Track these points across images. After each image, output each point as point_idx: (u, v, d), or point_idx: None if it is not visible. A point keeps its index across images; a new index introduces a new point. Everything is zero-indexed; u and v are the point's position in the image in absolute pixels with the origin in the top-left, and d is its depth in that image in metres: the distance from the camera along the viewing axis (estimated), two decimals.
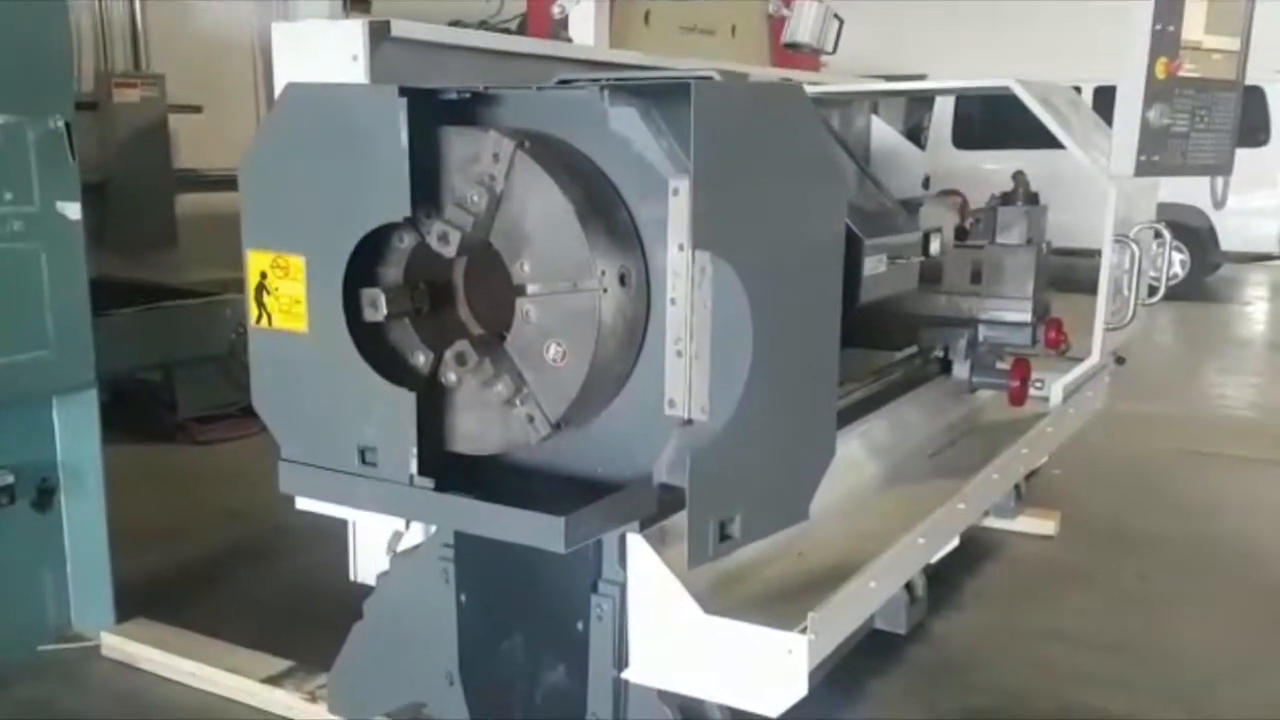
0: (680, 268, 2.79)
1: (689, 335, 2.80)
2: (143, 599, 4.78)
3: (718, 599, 3.03)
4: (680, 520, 3.11)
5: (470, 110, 2.97)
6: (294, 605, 4.97)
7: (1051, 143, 4.82)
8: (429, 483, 2.82)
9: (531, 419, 2.80)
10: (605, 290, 2.69)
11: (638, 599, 3.01)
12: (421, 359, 2.96)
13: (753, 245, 2.64)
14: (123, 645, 4.45)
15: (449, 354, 2.79)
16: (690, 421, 2.85)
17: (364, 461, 2.90)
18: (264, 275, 2.94)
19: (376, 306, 2.83)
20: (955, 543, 3.85)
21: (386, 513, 3.04)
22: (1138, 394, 7.28)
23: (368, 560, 4.42)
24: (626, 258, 2.80)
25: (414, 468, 2.82)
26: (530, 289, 2.76)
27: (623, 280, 2.76)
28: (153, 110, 9.77)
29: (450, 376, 2.88)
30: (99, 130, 9.44)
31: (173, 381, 7.58)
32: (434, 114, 2.80)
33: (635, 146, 2.80)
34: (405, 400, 2.80)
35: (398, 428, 2.82)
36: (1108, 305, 5.03)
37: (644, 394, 2.93)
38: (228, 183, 9.85)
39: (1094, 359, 5.10)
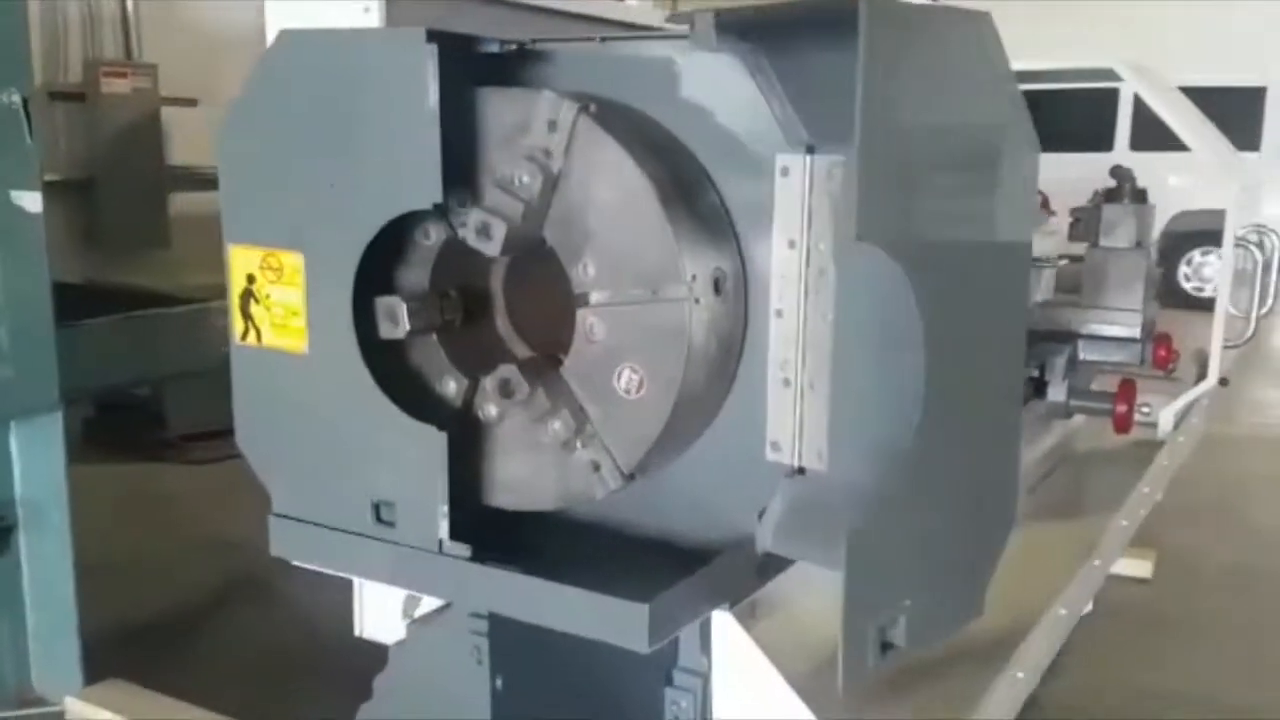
0: (790, 270, 2.15)
1: (799, 358, 2.16)
2: (117, 653, 4.14)
3: (825, 692, 2.37)
4: (776, 589, 2.47)
5: (509, 70, 2.33)
6: (293, 661, 4.34)
7: (1093, 145, 4.17)
8: (463, 550, 2.17)
9: (597, 467, 2.15)
10: (697, 300, 2.04)
11: (726, 694, 2.36)
12: (452, 387, 2.31)
13: (928, 239, 1.98)
14: (91, 715, 3.79)
15: (489, 381, 2.14)
16: (801, 471, 2.21)
17: (379, 520, 2.25)
18: (251, 279, 2.30)
19: (396, 320, 2.19)
20: (1090, 608, 3.19)
21: (407, 586, 2.39)
22: (1225, 412, 6.61)
23: (376, 615, 3.79)
24: (720, 257, 2.16)
25: (444, 530, 2.18)
26: (595, 297, 2.11)
27: (717, 286, 2.12)
28: (144, 102, 9.12)
29: (489, 410, 2.23)
30: (86, 123, 8.80)
31: (162, 395, 6.92)
32: (468, 71, 2.15)
33: (732, 111, 2.16)
34: (433, 442, 2.16)
35: (423, 477, 2.17)
36: (1225, 320, 4.39)
37: (736, 432, 2.29)
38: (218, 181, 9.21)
39: (1210, 381, 4.46)
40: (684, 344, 2.05)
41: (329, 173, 2.17)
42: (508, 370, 2.12)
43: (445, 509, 2.17)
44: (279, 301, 2.27)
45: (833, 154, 2.09)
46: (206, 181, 9.55)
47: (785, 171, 2.15)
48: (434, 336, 2.30)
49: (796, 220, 2.15)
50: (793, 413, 2.22)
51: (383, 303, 2.20)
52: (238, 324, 2.34)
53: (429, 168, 2.04)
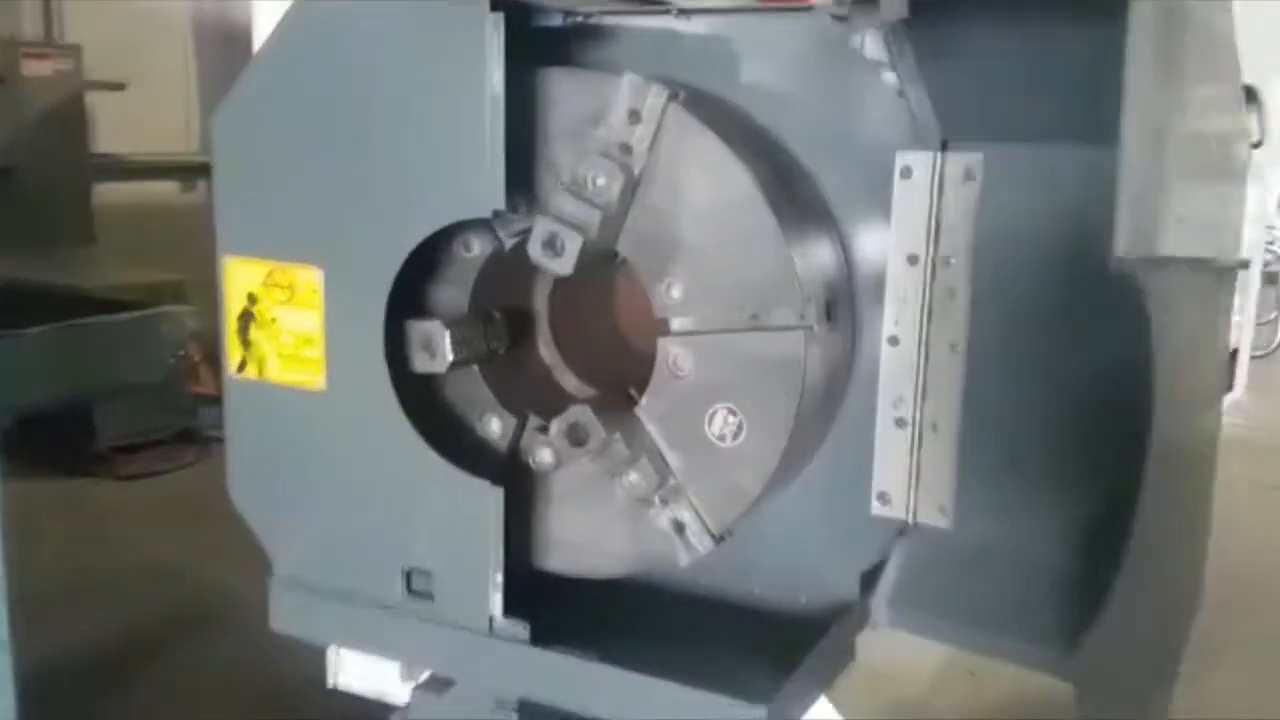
0: (909, 290, 1.81)
1: (918, 394, 1.82)
2: (36, 701, 3.64)
3: None
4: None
5: (562, 47, 1.95)
6: (250, 712, 3.90)
7: None
8: (520, 630, 1.79)
9: (681, 528, 1.79)
10: (811, 327, 1.69)
11: None
12: (496, 427, 1.94)
13: (1168, 256, 1.62)
14: None
15: (557, 426, 1.76)
16: (913, 526, 1.87)
17: (412, 591, 1.86)
18: (252, 298, 1.89)
19: (435, 349, 1.80)
20: None
21: (447, 672, 1.99)
22: None
23: (355, 662, 3.40)
24: (832, 276, 1.80)
25: (497, 605, 1.80)
26: (682, 323, 1.75)
27: (829, 311, 1.76)
28: (67, 86, 8.47)
29: (543, 456, 1.86)
30: (4, 107, 8.15)
31: (92, 404, 6.36)
32: (522, 49, 1.77)
33: (846, 99, 1.81)
34: (485, 498, 1.78)
35: (471, 541, 1.79)
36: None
37: (834, 481, 1.94)
38: (154, 171, 8.61)
39: (1236, 393, 4.21)
40: (798, 381, 1.69)
41: (359, 171, 1.77)
42: (579, 413, 1.74)
43: (499, 579, 1.79)
44: (289, 327, 1.86)
45: (968, 151, 1.75)
46: (134, 171, 8.98)
47: (907, 172, 1.80)
48: (475, 368, 1.91)
49: (920, 230, 1.80)
50: (908, 459, 1.87)
51: (418, 329, 1.81)
52: (234, 352, 1.93)
53: (490, 167, 1.66)
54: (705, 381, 1.75)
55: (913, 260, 1.82)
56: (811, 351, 1.70)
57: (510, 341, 1.97)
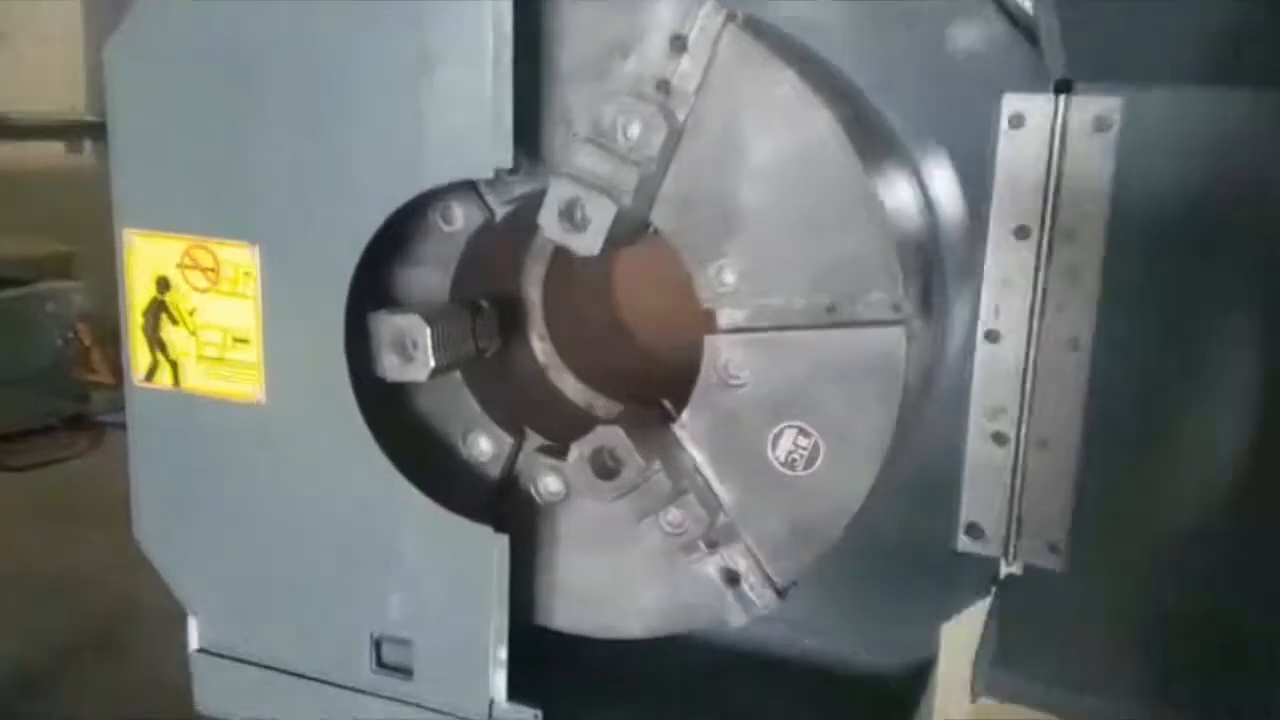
0: (1015, 271, 1.44)
1: (1024, 402, 1.45)
2: None
3: None
4: None
5: None
6: None
7: None
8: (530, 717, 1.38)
9: (734, 579, 1.39)
10: (908, 320, 1.29)
11: None
12: (484, 448, 1.51)
13: None
14: None
15: (579, 452, 1.34)
16: (1010, 573, 1.51)
17: (382, 665, 1.44)
18: (164, 284, 1.44)
19: (413, 352, 1.37)
20: None
21: None
22: None
23: None
24: (925, 252, 1.41)
25: (499, 687, 1.38)
26: (732, 317, 1.34)
27: (925, 298, 1.37)
28: None
29: (549, 486, 1.44)
30: None
31: None
32: None
33: (946, 31, 1.42)
34: (483, 548, 1.36)
35: (465, 604, 1.37)
36: None
37: (908, 510, 1.56)
38: (38, 131, 7.91)
39: None
40: (896, 391, 1.30)
41: (309, 116, 1.32)
42: (609, 436, 1.33)
43: (502, 654, 1.37)
44: (214, 322, 1.41)
45: (1102, 94, 1.37)
46: (14, 131, 8.27)
47: (1018, 120, 1.42)
48: (458, 373, 1.48)
49: (1034, 195, 1.42)
50: (1007, 484, 1.49)
51: (389, 324, 1.38)
52: (139, 355, 1.47)
53: (495, 113, 1.23)
54: (769, 392, 1.35)
55: (1022, 234, 1.43)
56: (910, 351, 1.31)
57: (501, 339, 1.54)
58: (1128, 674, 1.43)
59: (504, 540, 1.36)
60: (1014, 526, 1.50)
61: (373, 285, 1.42)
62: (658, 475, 1.34)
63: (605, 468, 1.33)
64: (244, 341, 1.41)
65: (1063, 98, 1.38)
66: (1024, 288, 1.44)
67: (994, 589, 1.54)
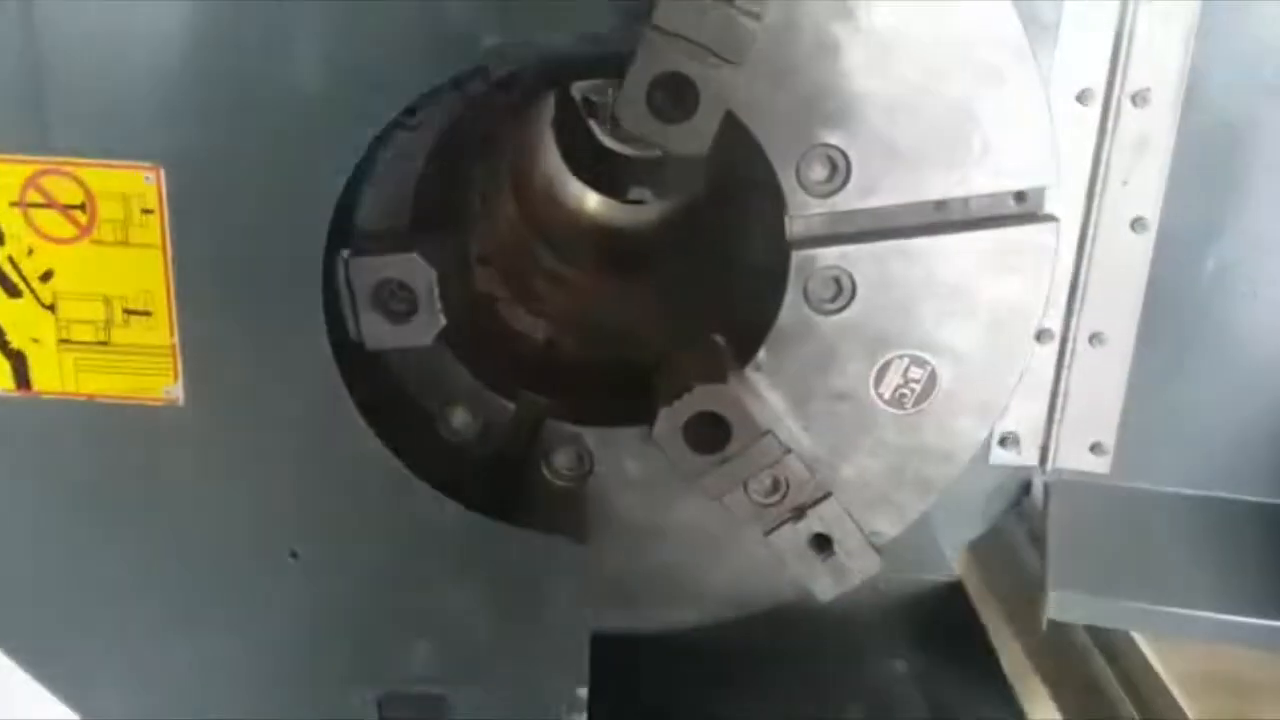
0: (1074, 140, 1.26)
1: (1079, 293, 1.30)
2: None
3: None
4: None
5: None
6: None
7: None
8: None
9: (826, 544, 1.13)
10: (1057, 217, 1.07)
11: None
12: (462, 421, 1.13)
13: None
14: None
15: (670, 422, 1.01)
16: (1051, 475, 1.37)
17: None
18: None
19: (404, 306, 0.96)
20: None
21: None
22: None
23: None
24: None
25: None
26: (826, 224, 1.05)
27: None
28: None
29: (559, 459, 1.11)
30: None
31: None
32: None
33: None
34: (560, 559, 1.00)
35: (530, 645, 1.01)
36: None
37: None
38: None
39: None
40: (1038, 304, 1.07)
41: None
42: (711, 396, 1.00)
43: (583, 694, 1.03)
44: (87, 286, 0.91)
45: None
46: None
47: None
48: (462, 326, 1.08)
49: (1102, 54, 1.22)
50: (1053, 385, 1.32)
51: (372, 269, 0.95)
52: None
53: None
54: (875, 317, 1.07)
55: (1085, 98, 1.23)
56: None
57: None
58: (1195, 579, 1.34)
59: (583, 554, 1.00)
60: (1056, 430, 1.34)
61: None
62: (766, 438, 1.03)
63: (705, 439, 1.01)
64: (143, 314, 0.92)
65: None
66: (1084, 160, 1.25)
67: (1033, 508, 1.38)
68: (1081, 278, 1.29)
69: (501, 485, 1.13)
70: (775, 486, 1.09)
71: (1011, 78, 1.02)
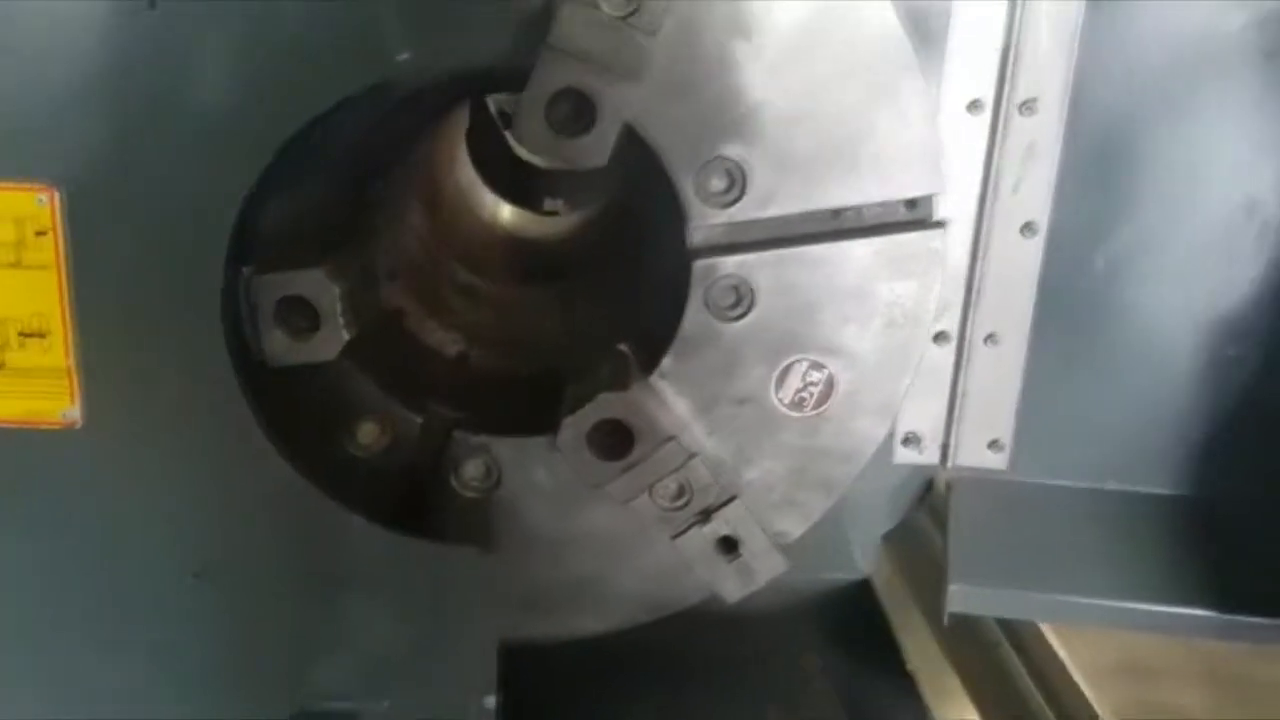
0: (965, 149, 1.30)
1: (972, 296, 1.34)
2: None
3: None
4: None
5: None
6: None
7: None
8: None
9: (732, 546, 1.15)
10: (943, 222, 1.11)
11: None
12: (377, 437, 1.13)
13: None
14: None
15: (574, 429, 1.03)
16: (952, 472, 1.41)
17: None
18: None
19: (308, 323, 0.97)
20: None
21: None
22: None
23: None
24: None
25: None
26: (726, 234, 1.08)
27: None
28: None
29: (469, 470, 1.12)
30: None
31: None
32: None
33: None
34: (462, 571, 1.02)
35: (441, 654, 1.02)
36: None
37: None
38: None
39: None
40: (928, 305, 1.11)
41: None
42: (615, 404, 1.02)
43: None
44: None
45: None
46: None
47: None
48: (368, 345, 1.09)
49: (990, 64, 1.25)
50: (951, 385, 1.36)
51: (275, 286, 0.95)
52: None
53: None
54: (775, 322, 1.10)
55: (975, 107, 1.26)
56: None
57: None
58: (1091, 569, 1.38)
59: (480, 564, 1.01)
60: (954, 429, 1.38)
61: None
62: (670, 443, 1.05)
63: (610, 445, 1.03)
64: (38, 336, 0.92)
65: None
66: (975, 167, 1.28)
67: (940, 503, 1.41)
68: (976, 281, 1.32)
69: (412, 498, 1.14)
70: (681, 491, 1.11)
71: (900, 90, 1.05)
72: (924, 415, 1.38)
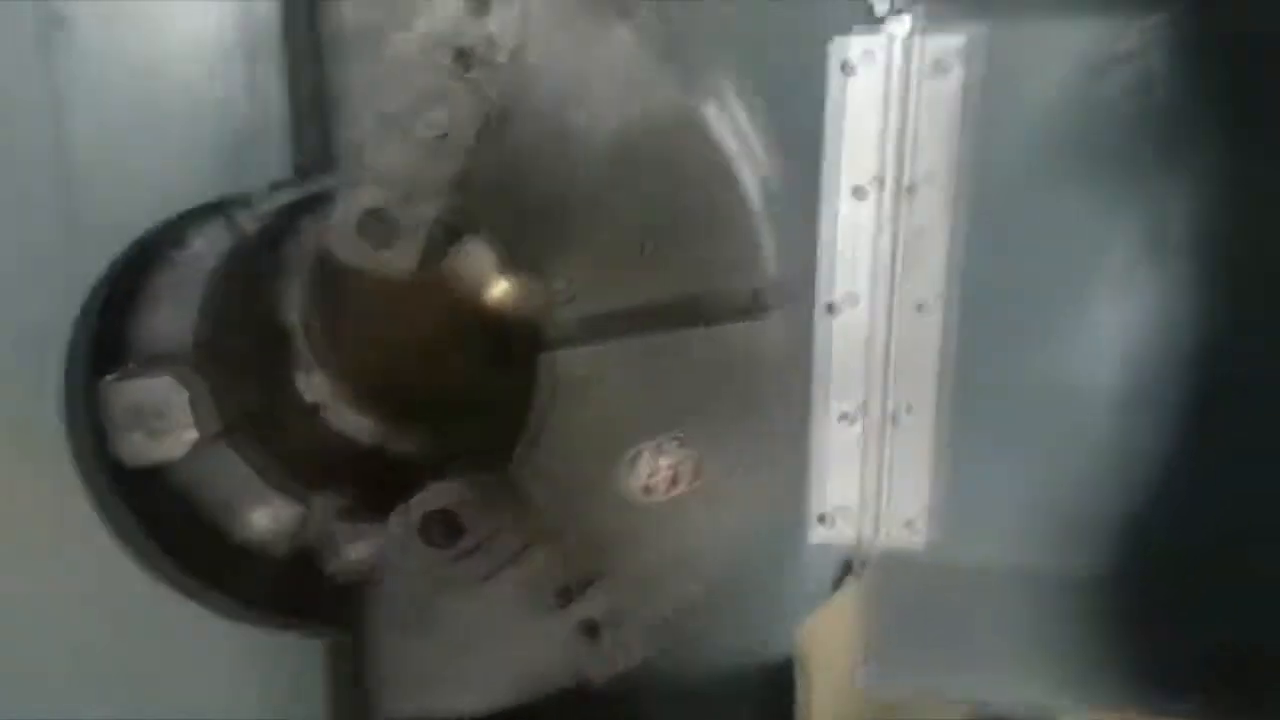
0: (859, 235, 1.31)
1: (885, 378, 1.34)
2: None
3: None
4: None
5: None
6: None
7: None
8: None
9: (594, 630, 1.19)
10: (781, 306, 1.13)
11: None
12: (265, 523, 1.21)
13: None
14: None
15: (403, 520, 1.09)
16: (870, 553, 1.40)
17: None
18: None
19: (162, 424, 1.06)
20: None
21: None
22: None
23: None
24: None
25: None
26: (564, 327, 1.12)
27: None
28: None
29: (355, 554, 1.18)
30: None
31: None
32: None
33: None
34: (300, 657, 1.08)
35: None
36: None
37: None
38: None
39: None
40: (779, 393, 1.13)
41: None
42: (446, 493, 1.07)
43: None
44: None
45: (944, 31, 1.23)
46: None
47: (849, 67, 1.24)
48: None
49: (872, 149, 1.26)
50: (860, 465, 1.36)
51: (125, 392, 1.05)
52: None
53: (266, 104, 0.93)
54: (617, 410, 1.13)
55: (861, 194, 1.27)
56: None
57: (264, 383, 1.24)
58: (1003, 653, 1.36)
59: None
60: (875, 505, 1.37)
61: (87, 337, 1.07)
62: (503, 534, 1.10)
63: (439, 535, 1.08)
64: None
65: (900, 37, 1.22)
66: (866, 253, 1.29)
67: (855, 581, 1.41)
68: (878, 361, 1.33)
69: (297, 584, 1.21)
70: (533, 577, 1.15)
71: (725, 183, 1.07)
72: (839, 494, 1.38)
